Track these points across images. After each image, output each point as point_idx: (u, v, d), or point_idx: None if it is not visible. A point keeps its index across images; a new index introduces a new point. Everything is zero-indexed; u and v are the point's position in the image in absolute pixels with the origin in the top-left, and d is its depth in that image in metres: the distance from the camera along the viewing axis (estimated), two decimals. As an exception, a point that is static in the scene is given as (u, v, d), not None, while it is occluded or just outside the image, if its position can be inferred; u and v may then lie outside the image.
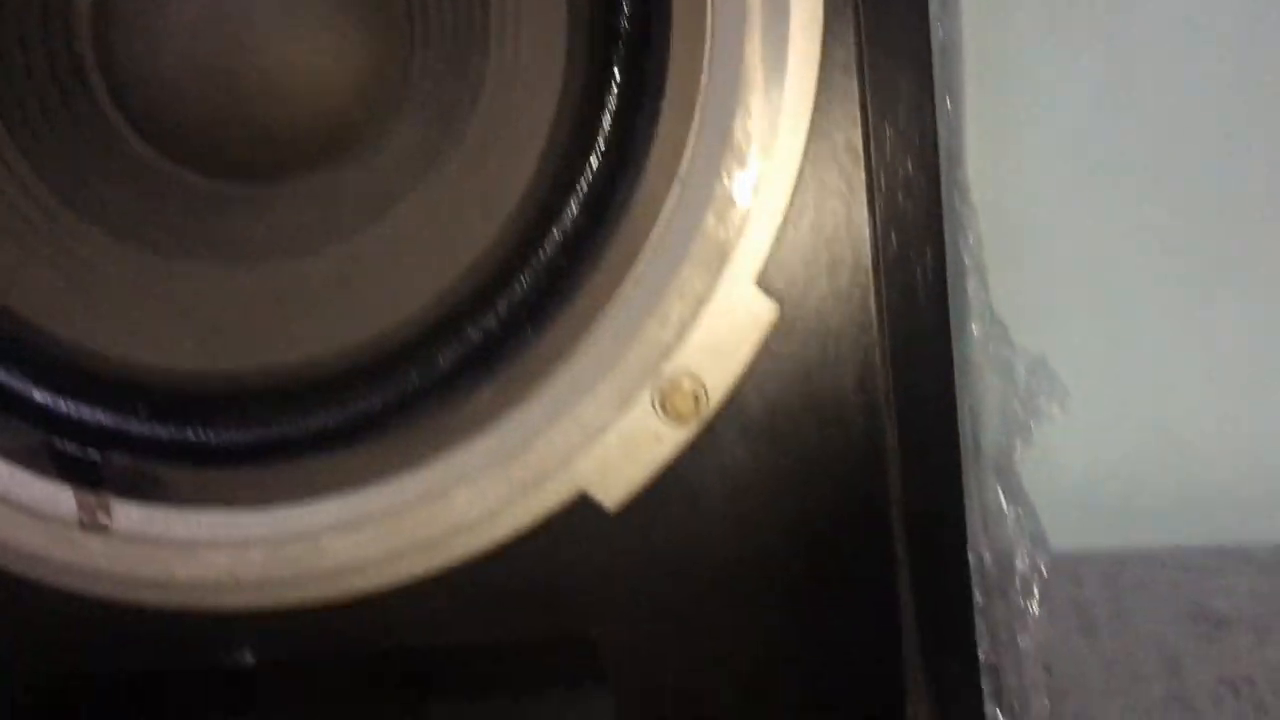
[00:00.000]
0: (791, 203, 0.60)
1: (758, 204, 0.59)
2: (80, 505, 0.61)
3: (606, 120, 0.58)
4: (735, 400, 0.60)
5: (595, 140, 0.58)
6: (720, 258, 0.59)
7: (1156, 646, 0.91)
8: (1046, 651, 0.72)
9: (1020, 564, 0.67)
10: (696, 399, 0.59)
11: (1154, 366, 1.13)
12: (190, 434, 0.61)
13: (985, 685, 0.66)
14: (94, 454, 0.61)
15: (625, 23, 0.58)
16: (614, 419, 0.60)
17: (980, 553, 0.66)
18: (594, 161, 0.58)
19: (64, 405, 0.61)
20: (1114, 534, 1.10)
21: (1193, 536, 1.09)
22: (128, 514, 0.61)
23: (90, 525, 0.61)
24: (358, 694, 0.78)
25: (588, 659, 0.64)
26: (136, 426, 0.61)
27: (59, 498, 0.61)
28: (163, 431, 0.61)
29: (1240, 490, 1.12)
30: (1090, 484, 1.10)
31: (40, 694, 0.65)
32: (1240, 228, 1.09)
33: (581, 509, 0.61)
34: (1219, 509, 1.13)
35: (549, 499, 0.61)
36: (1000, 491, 0.67)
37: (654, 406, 0.60)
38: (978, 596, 0.67)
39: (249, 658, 0.63)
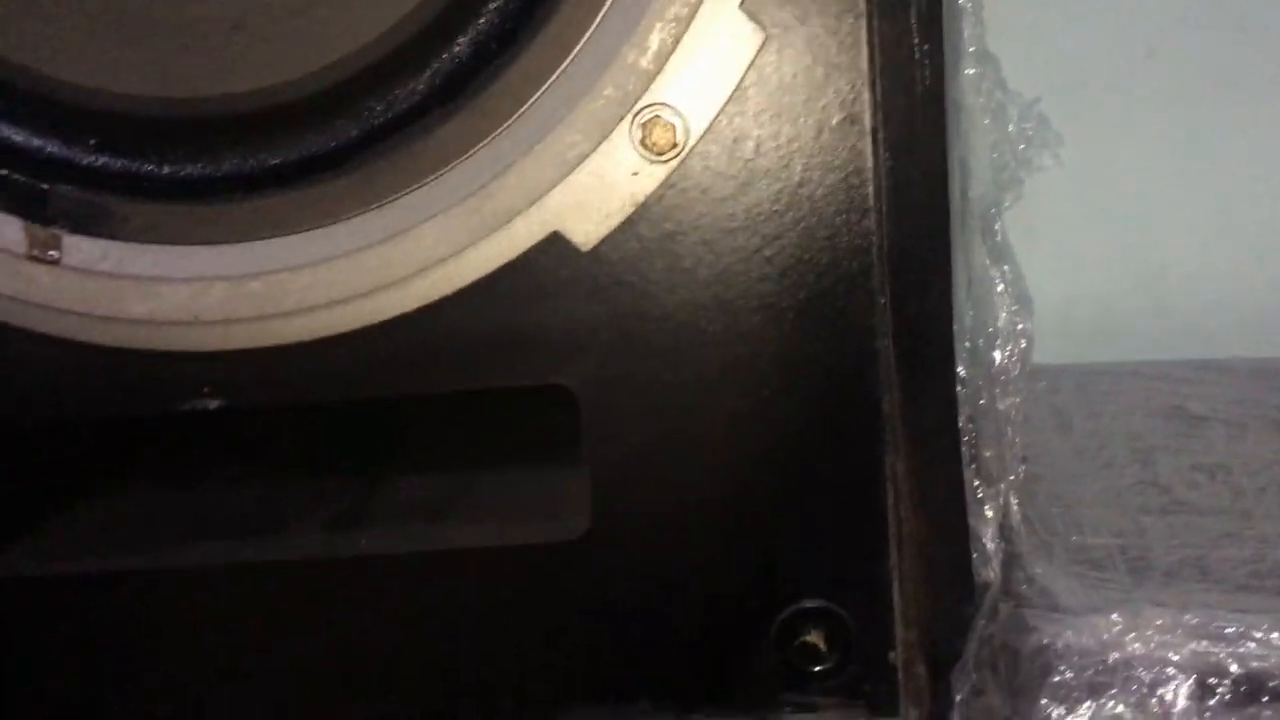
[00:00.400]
0: (779, -75, 0.56)
1: (744, -76, 0.56)
2: (29, 237, 0.59)
3: None
4: (717, 134, 0.58)
5: None
6: (704, -19, 0.56)
7: (1130, 439, 0.90)
8: (1022, 446, 0.71)
9: (1004, 324, 0.65)
10: (676, 132, 0.57)
11: (1140, 185, 1.11)
12: (141, 166, 0.58)
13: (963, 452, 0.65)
14: (42, 185, 0.59)
15: None
16: (589, 152, 0.57)
17: (963, 313, 0.64)
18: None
19: (10, 132, 0.58)
20: (1093, 352, 1.10)
21: (1172, 354, 1.08)
22: (78, 247, 0.59)
23: (39, 258, 0.59)
24: (318, 445, 0.77)
25: (560, 408, 0.63)
26: (85, 156, 0.58)
27: (6, 229, 0.59)
28: (113, 163, 0.58)
29: (1223, 313, 1.12)
30: (1068, 304, 1.09)
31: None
32: (1239, 49, 1.07)
33: (554, 248, 0.59)
34: (1199, 330, 1.12)
35: (520, 237, 0.58)
36: (986, 251, 0.65)
37: (632, 139, 0.57)
38: (960, 369, 0.65)
39: (211, 403, 0.61)
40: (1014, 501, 0.66)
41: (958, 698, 0.58)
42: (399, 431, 0.78)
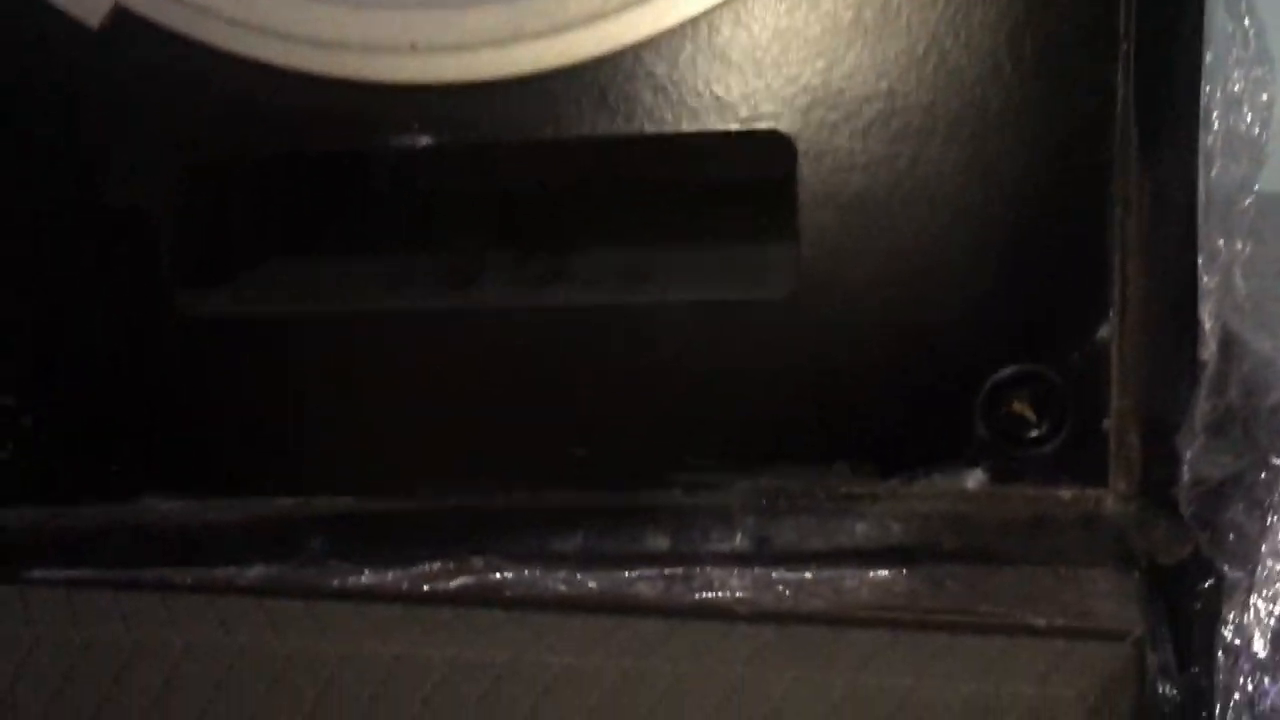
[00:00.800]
0: None
1: None
2: (248, -40, 0.58)
3: None
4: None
5: None
6: None
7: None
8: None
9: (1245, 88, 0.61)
10: None
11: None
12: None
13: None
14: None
15: None
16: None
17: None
18: None
19: None
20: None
21: None
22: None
23: (259, -20, 0.58)
24: (512, 218, 0.77)
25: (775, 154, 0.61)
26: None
27: (226, -50, 0.58)
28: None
29: None
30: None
31: (200, 176, 0.64)
32: None
33: (781, -20, 0.57)
34: None
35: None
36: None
37: None
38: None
39: (421, 139, 0.61)
40: (1239, 278, 0.63)
41: (1185, 459, 0.56)
42: (593, 205, 0.78)
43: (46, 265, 0.64)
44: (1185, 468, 0.57)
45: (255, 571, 0.66)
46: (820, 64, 0.58)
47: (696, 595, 0.63)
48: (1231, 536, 0.53)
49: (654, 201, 0.77)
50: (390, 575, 0.65)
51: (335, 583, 0.65)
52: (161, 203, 0.63)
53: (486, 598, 0.64)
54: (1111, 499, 0.62)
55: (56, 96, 0.61)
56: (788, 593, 0.63)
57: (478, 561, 0.66)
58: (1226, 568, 0.53)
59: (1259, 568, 0.52)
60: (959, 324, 0.61)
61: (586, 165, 0.70)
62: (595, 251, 0.71)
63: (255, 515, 0.67)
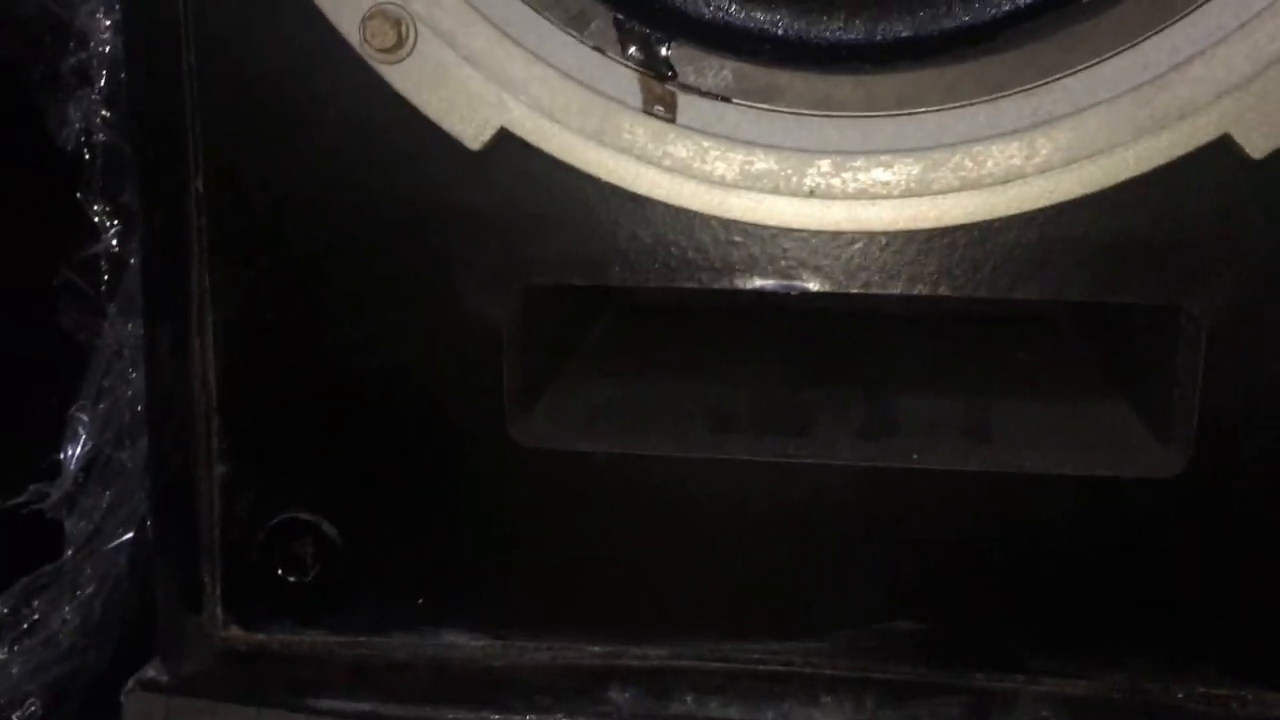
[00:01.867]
0: None
1: None
2: (645, 91, 0.55)
3: None
4: None
5: None
6: None
7: None
8: None
9: None
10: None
11: None
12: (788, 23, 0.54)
13: None
14: (663, 36, 0.55)
15: None
16: (1288, 47, 0.51)
17: None
18: None
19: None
20: None
21: None
22: (694, 106, 0.55)
23: (655, 114, 0.55)
24: (820, 351, 0.73)
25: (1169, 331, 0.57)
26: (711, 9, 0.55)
27: (622, 82, 0.55)
28: (741, 16, 0.55)
29: None
30: None
31: (540, 297, 0.61)
32: None
33: (1219, 154, 0.53)
34: None
35: (1184, 138, 0.53)
36: None
37: (1341, 37, 0.51)
38: None
39: (802, 286, 0.57)
40: None
41: None
42: (898, 345, 0.74)
43: (379, 376, 0.61)
44: None
45: (554, 720, 0.62)
46: (1258, 241, 0.54)
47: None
48: None
49: (956, 344, 0.73)
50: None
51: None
52: (509, 321, 0.60)
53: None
54: None
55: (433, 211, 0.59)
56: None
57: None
58: None
59: None
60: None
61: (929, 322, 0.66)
62: (918, 398, 0.67)
63: (558, 661, 0.63)
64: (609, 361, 0.71)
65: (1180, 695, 0.60)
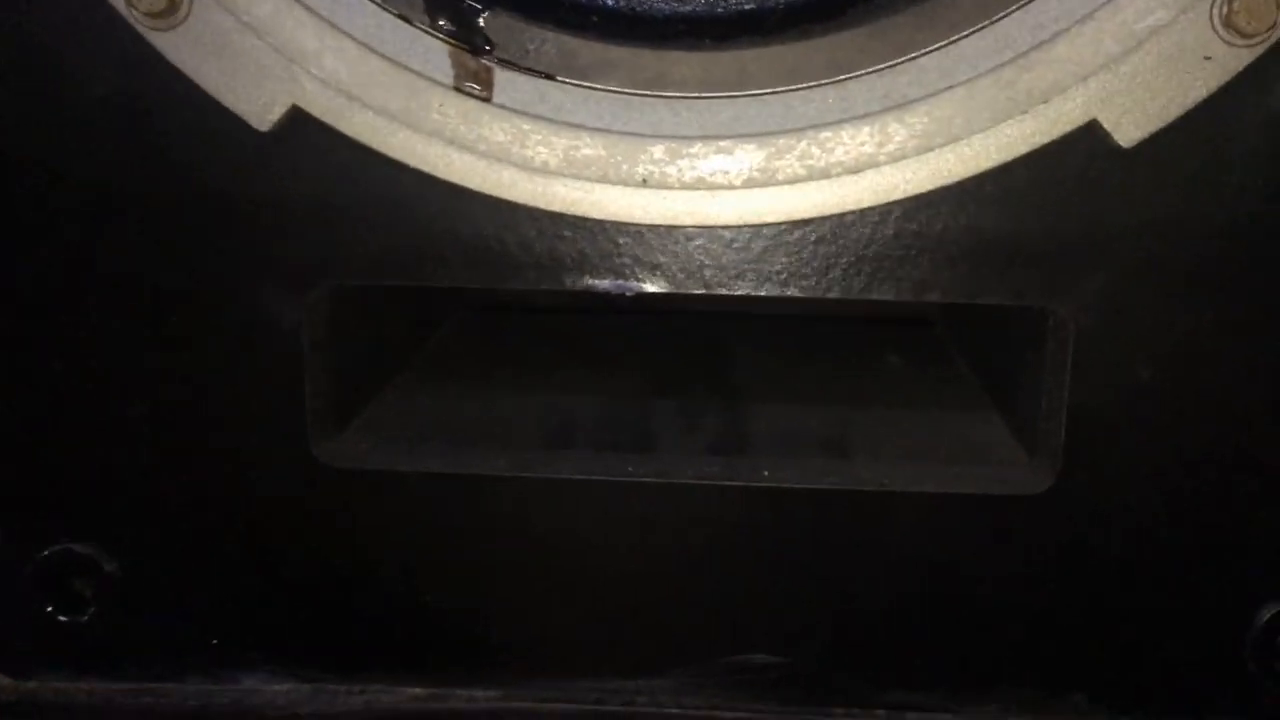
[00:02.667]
0: None
1: None
2: (457, 67, 0.49)
3: None
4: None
5: None
6: None
7: None
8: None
9: None
10: (1275, 12, 0.46)
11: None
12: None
13: None
14: (479, 7, 0.49)
15: None
16: (1161, 25, 0.46)
17: None
18: None
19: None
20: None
21: None
22: (512, 84, 0.49)
23: (468, 91, 0.49)
24: (665, 358, 0.68)
25: (1036, 334, 0.52)
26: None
27: (431, 56, 0.49)
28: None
29: None
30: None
31: (344, 301, 0.55)
32: None
33: (1084, 142, 0.48)
34: None
35: (1049, 123, 0.48)
36: None
37: (1215, 14, 0.46)
38: None
39: (636, 287, 0.51)
40: None
41: None
42: (750, 352, 0.69)
43: (164, 389, 0.54)
44: None
45: (372, 773, 0.56)
46: (1125, 237, 0.50)
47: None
48: None
49: (826, 345, 0.68)
50: (534, 789, 0.55)
51: (470, 795, 0.55)
52: (309, 326, 0.53)
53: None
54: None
55: (216, 201, 0.52)
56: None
57: (636, 777, 0.56)
58: None
59: None
60: (1236, 541, 0.53)
61: (793, 321, 0.61)
62: (774, 407, 0.62)
63: (374, 706, 0.56)
64: (446, 369, 0.65)
65: (1051, 730, 0.55)
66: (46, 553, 0.55)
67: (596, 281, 0.51)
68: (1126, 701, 0.55)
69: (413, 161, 0.50)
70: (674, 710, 0.57)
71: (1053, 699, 0.55)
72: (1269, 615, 0.53)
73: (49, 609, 0.55)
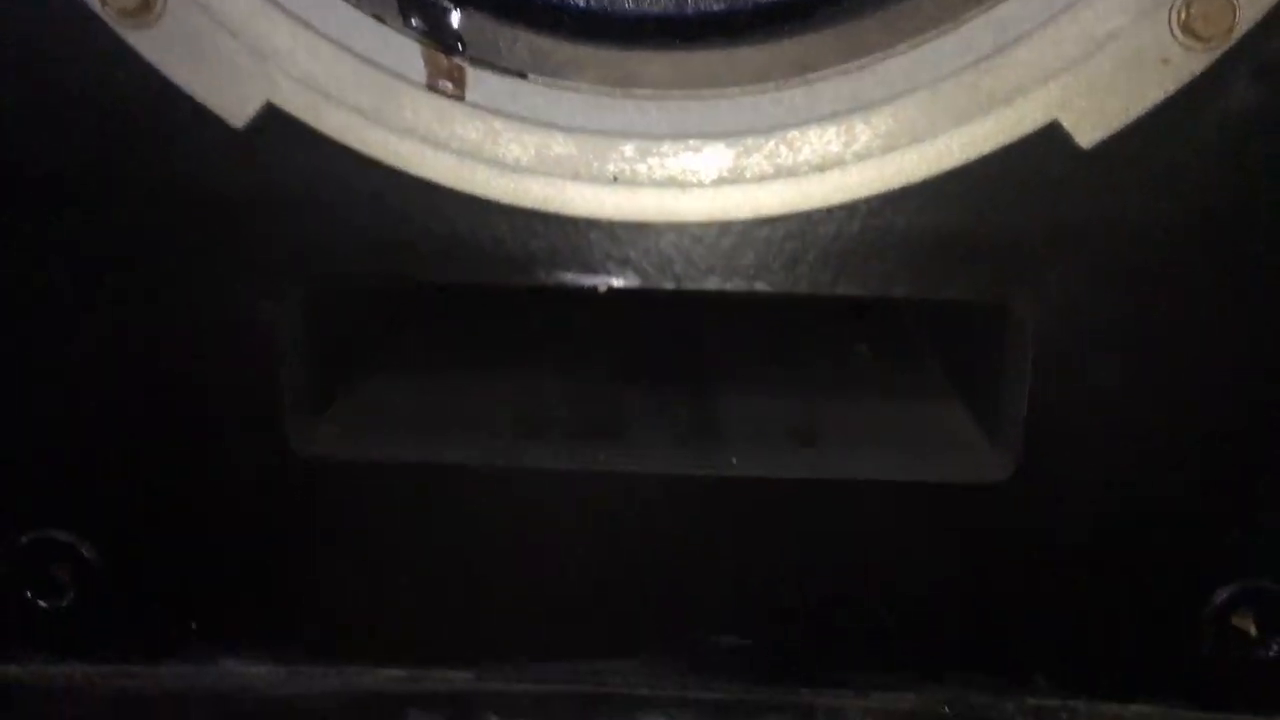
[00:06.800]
0: None
1: None
2: (430, 65, 0.50)
3: None
4: (1269, 28, 0.48)
5: None
6: None
7: None
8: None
9: None
10: (1235, 14, 0.47)
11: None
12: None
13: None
14: (449, 6, 0.49)
15: None
16: (1123, 29, 0.47)
17: None
18: None
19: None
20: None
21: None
22: (484, 82, 0.50)
23: (440, 89, 0.50)
24: (642, 349, 0.69)
25: (997, 327, 0.54)
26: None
27: (405, 54, 0.49)
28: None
29: None
30: None
31: (320, 295, 0.55)
32: None
33: (1045, 143, 0.49)
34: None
35: (1011, 124, 0.49)
36: None
37: (1173, 19, 0.47)
38: None
39: (610, 281, 0.52)
40: None
41: None
42: (724, 333, 0.70)
43: (144, 379, 0.54)
44: None
45: (349, 754, 0.57)
46: (1082, 236, 0.51)
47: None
48: None
49: (797, 332, 0.69)
50: (508, 768, 0.57)
51: (445, 775, 0.56)
52: (284, 320, 0.54)
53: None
54: (1335, 733, 0.56)
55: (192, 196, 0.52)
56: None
57: (606, 756, 0.57)
58: None
59: None
60: (1190, 526, 0.54)
61: (764, 310, 0.62)
62: (744, 399, 0.63)
63: (352, 687, 0.58)
64: (421, 359, 0.65)
65: (1010, 708, 0.57)
66: (25, 539, 0.56)
67: (569, 276, 0.52)
68: (1085, 682, 0.57)
69: (387, 159, 0.51)
70: (644, 690, 0.58)
71: (1013, 680, 0.57)
72: (1222, 598, 0.55)
73: (28, 594, 0.56)
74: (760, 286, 0.53)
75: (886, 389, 0.63)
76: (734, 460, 0.57)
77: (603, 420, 0.60)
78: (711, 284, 0.53)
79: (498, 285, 0.53)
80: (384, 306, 0.65)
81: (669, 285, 0.53)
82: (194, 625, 0.57)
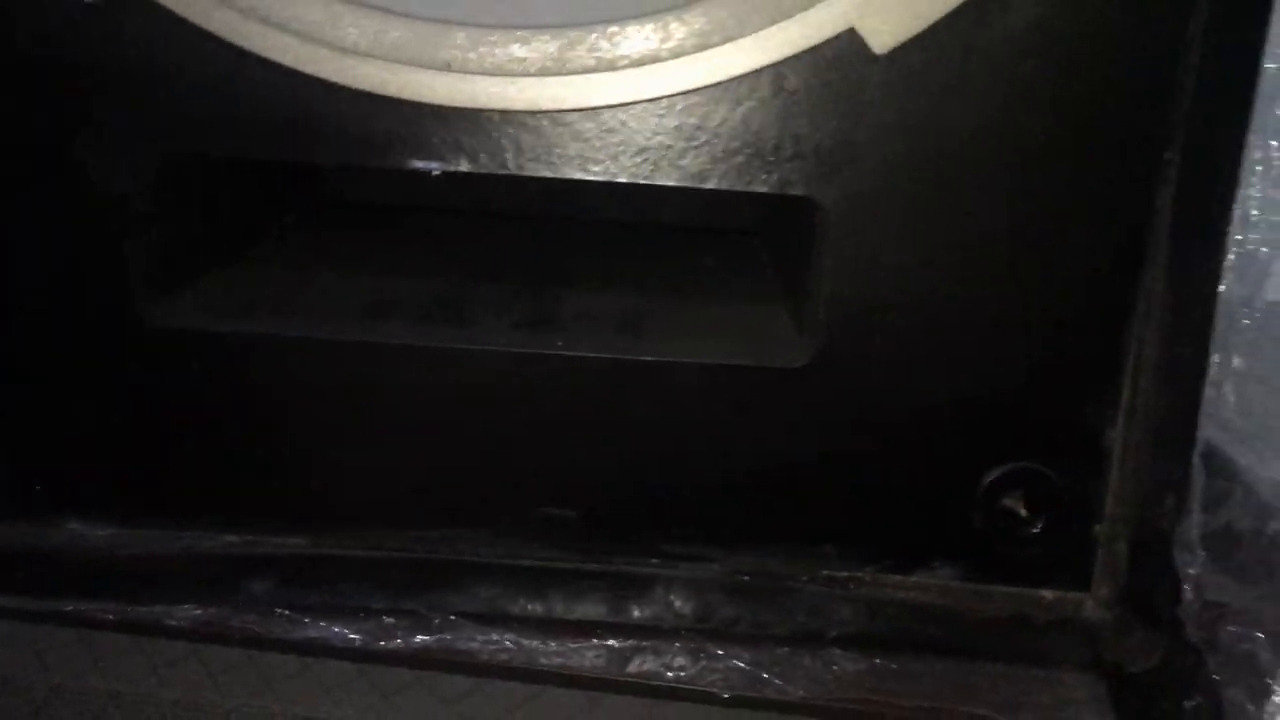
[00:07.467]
0: None
1: None
2: (273, -52, 0.52)
3: None
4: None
5: None
6: None
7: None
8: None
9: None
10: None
11: None
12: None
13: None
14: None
15: None
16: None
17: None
18: None
19: None
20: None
21: None
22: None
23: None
24: (498, 252, 0.72)
25: (806, 225, 0.58)
26: None
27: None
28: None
29: None
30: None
31: (171, 170, 0.58)
32: None
33: (842, 47, 0.54)
34: None
35: (813, 28, 0.53)
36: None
37: (962, -70, 0.52)
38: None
39: (439, 166, 0.56)
40: (1230, 394, 0.64)
41: (1187, 577, 0.56)
42: (579, 249, 0.74)
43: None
44: (1187, 587, 0.56)
45: (187, 613, 0.60)
46: (875, 135, 0.56)
47: (669, 673, 0.61)
48: (1241, 663, 0.53)
49: (648, 251, 0.73)
50: (339, 629, 0.60)
51: (279, 632, 0.60)
52: (136, 194, 0.56)
53: (449, 660, 0.59)
54: (1092, 604, 0.62)
55: (41, 66, 0.54)
56: (765, 676, 0.61)
57: (435, 619, 0.61)
58: (1230, 691, 0.53)
59: (1269, 700, 0.52)
60: (967, 415, 0.60)
61: (593, 206, 0.66)
62: (581, 299, 0.67)
63: (192, 550, 0.61)
64: (279, 257, 0.68)
65: (804, 578, 0.62)
66: None
67: (404, 159, 0.56)
68: (871, 554, 0.62)
69: (230, 37, 0.54)
70: (472, 558, 0.62)
71: (805, 550, 0.62)
72: (992, 477, 0.61)
73: (-126, 452, 0.58)
74: (582, 175, 0.57)
75: (722, 295, 0.67)
76: (560, 343, 0.61)
77: (447, 308, 0.64)
78: (540, 171, 0.56)
79: (338, 165, 0.56)
80: (244, 206, 0.68)
81: (500, 171, 0.56)
82: (38, 487, 0.59)
